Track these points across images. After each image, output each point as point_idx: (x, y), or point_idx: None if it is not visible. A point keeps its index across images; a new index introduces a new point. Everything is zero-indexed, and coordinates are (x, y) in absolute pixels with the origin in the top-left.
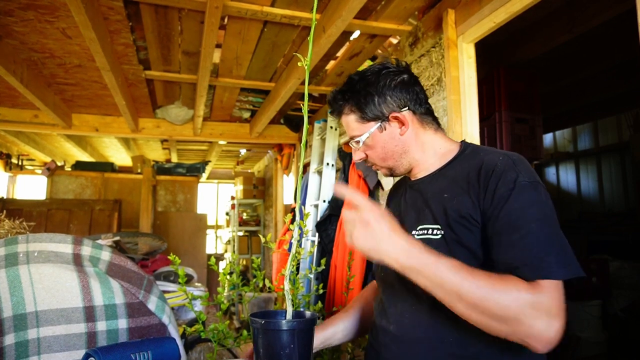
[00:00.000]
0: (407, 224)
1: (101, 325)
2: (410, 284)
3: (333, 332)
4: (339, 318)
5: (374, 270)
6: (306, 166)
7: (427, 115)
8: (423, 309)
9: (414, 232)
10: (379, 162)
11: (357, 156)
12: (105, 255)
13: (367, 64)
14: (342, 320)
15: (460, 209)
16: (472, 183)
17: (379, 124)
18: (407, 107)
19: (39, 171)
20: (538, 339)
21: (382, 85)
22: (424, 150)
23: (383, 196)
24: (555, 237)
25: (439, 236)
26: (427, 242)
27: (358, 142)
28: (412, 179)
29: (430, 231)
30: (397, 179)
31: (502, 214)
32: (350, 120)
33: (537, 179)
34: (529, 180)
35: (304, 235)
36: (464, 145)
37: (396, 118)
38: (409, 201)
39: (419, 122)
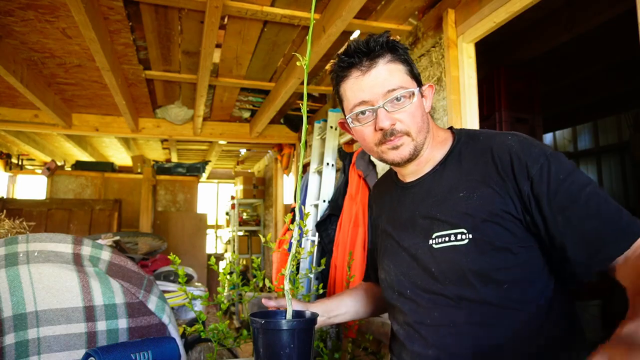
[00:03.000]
0: (415, 233)
1: (101, 325)
2: (444, 304)
3: (337, 305)
4: (346, 294)
5: (383, 286)
6: (306, 166)
7: None
8: (466, 329)
9: (430, 241)
10: (415, 132)
11: (387, 121)
12: (105, 255)
13: None
14: (350, 297)
15: (488, 207)
16: (490, 173)
17: (419, 88)
18: None
19: (39, 171)
20: None
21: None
22: (433, 137)
23: None
24: (608, 196)
25: (466, 241)
26: (453, 250)
27: (399, 100)
28: (407, 180)
29: (453, 237)
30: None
31: (553, 188)
32: (400, 69)
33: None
34: (552, 150)
35: (304, 235)
36: (457, 133)
37: (430, 88)
38: (410, 207)
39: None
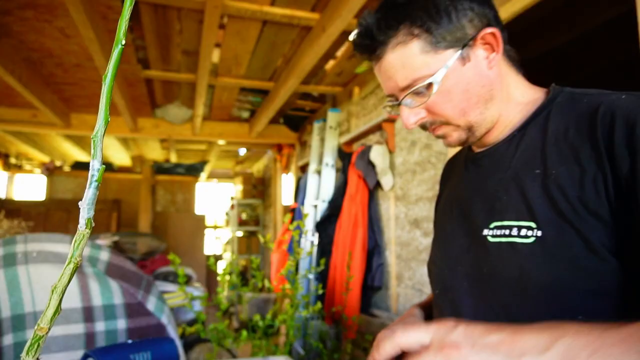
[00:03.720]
0: (471, 218)
1: (100, 326)
2: (489, 320)
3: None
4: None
5: (429, 279)
6: (306, 166)
7: (508, 47)
8: None
9: (486, 232)
10: (455, 119)
11: (413, 118)
12: (104, 255)
13: (367, 64)
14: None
15: (572, 192)
16: (583, 144)
17: (460, 51)
18: (492, 26)
19: (38, 171)
20: None
21: None
22: (509, 99)
23: (383, 197)
24: None
25: (532, 239)
26: (511, 249)
27: (419, 93)
28: (477, 150)
29: (515, 231)
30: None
31: None
32: (412, 52)
33: None
34: None
35: (303, 235)
36: (554, 91)
37: (485, 38)
38: (473, 184)
39: (504, 54)
